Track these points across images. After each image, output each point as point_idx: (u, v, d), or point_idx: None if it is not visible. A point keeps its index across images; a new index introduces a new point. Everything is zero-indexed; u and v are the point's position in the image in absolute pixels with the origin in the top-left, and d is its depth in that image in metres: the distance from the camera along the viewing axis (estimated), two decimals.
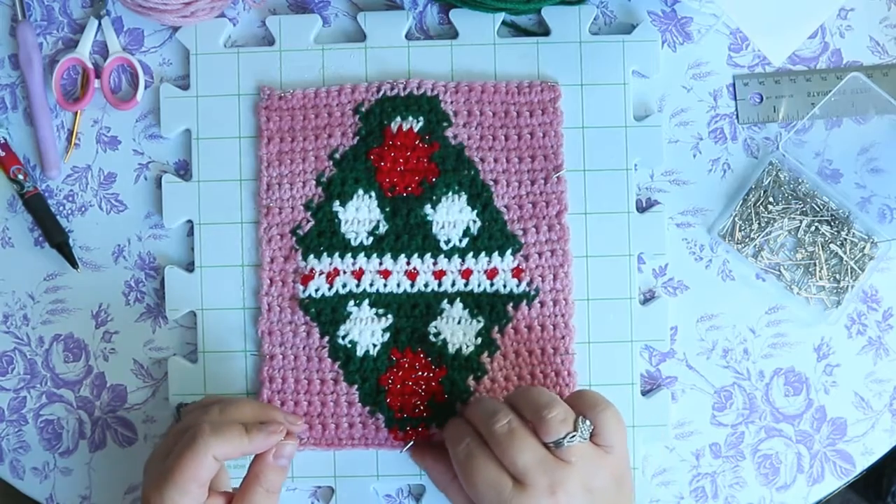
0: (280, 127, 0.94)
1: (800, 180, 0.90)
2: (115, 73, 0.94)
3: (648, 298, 0.93)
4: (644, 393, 0.92)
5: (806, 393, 0.91)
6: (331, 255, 0.93)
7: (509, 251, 0.93)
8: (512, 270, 0.93)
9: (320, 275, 0.93)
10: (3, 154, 0.92)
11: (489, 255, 0.93)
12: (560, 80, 0.94)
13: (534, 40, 0.95)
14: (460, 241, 0.93)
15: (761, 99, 0.93)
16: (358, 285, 0.93)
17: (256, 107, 0.94)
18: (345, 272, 0.93)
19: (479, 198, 0.93)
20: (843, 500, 1.06)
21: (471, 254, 0.93)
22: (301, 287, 0.93)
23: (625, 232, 0.94)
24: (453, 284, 0.94)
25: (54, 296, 0.94)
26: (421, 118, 0.93)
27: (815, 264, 0.90)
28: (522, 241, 0.93)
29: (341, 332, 0.93)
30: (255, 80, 0.95)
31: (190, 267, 0.93)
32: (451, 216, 0.94)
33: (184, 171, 0.93)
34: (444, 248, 0.93)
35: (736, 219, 0.91)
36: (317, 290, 0.93)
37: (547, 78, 0.95)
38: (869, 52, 0.93)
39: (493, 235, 0.93)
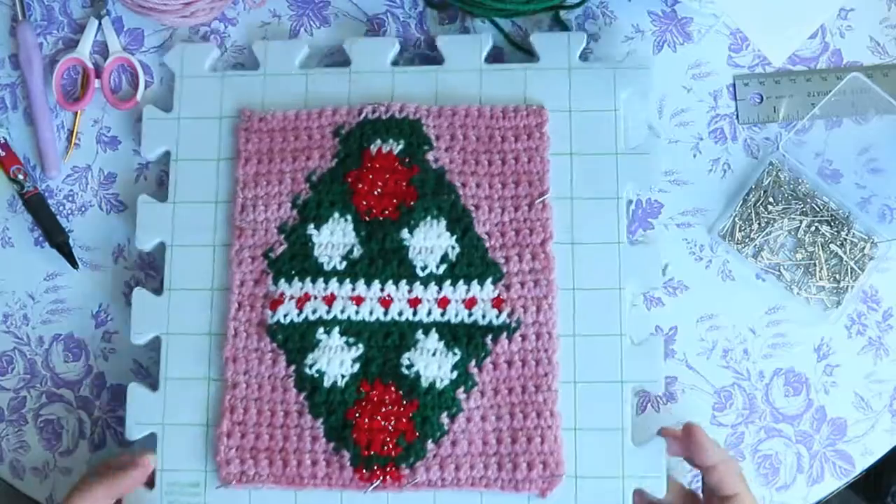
0: (259, 148, 0.72)
1: (800, 180, 0.74)
2: (115, 73, 0.78)
3: (641, 341, 0.69)
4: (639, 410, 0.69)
5: (806, 393, 0.73)
6: (302, 280, 0.69)
7: (489, 280, 0.69)
8: (492, 300, 0.68)
9: (290, 299, 0.69)
10: (3, 154, 0.76)
11: (468, 283, 0.69)
12: (548, 106, 0.71)
13: (521, 66, 0.73)
14: (437, 267, 0.69)
15: (761, 99, 0.75)
16: (328, 311, 0.69)
17: (236, 128, 0.73)
18: (315, 297, 0.69)
19: (459, 223, 0.70)
20: (843, 501, 0.83)
21: (448, 281, 0.69)
22: (270, 312, 0.69)
23: (615, 264, 0.69)
24: (429, 313, 0.68)
25: (54, 296, 0.76)
26: (402, 141, 0.71)
27: (815, 264, 0.73)
28: (504, 269, 0.69)
29: (309, 361, 0.68)
30: (237, 103, 0.74)
31: (158, 290, 0.71)
32: (429, 241, 0.69)
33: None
34: (421, 274, 0.69)
35: (736, 219, 0.74)
36: (286, 316, 0.69)
37: (534, 103, 0.71)
38: (869, 52, 0.76)
39: (472, 262, 0.69)
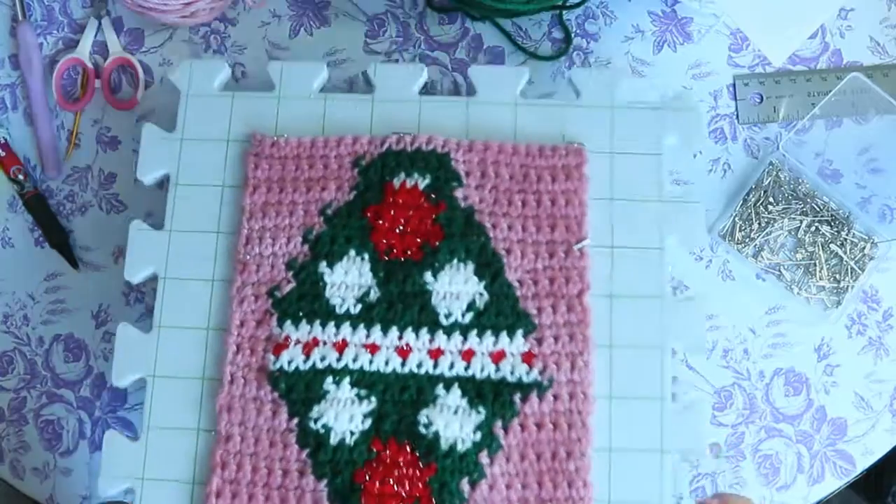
0: (269, 176, 0.63)
1: (800, 180, 0.72)
2: (115, 73, 0.74)
3: (686, 405, 0.60)
4: None
5: (806, 393, 0.70)
6: (311, 323, 0.60)
7: (520, 332, 0.59)
8: (522, 354, 0.59)
9: (296, 344, 0.59)
10: (3, 154, 0.72)
11: (496, 334, 0.59)
12: (588, 147, 0.63)
13: (560, 102, 0.65)
14: (463, 315, 0.60)
15: (761, 99, 0.73)
16: (339, 359, 0.59)
17: (245, 153, 0.64)
18: (325, 343, 0.59)
19: (489, 268, 0.61)
20: (844, 500, 0.80)
21: (474, 331, 0.59)
22: (272, 357, 0.59)
23: (656, 320, 0.60)
24: (451, 367, 0.59)
25: (54, 296, 0.72)
26: (428, 176, 0.62)
27: (815, 264, 0.71)
28: (536, 321, 0.60)
29: (314, 414, 0.58)
30: (247, 127, 0.65)
31: (147, 325, 0.62)
32: (455, 287, 0.60)
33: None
34: (444, 322, 0.60)
35: (736, 219, 0.71)
36: (290, 362, 0.59)
37: (573, 142, 0.63)
38: (869, 53, 0.74)
39: (501, 312, 0.60)
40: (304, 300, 0.59)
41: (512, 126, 0.63)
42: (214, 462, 0.57)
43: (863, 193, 0.71)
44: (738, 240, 0.70)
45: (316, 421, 0.57)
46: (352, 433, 0.57)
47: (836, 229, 0.71)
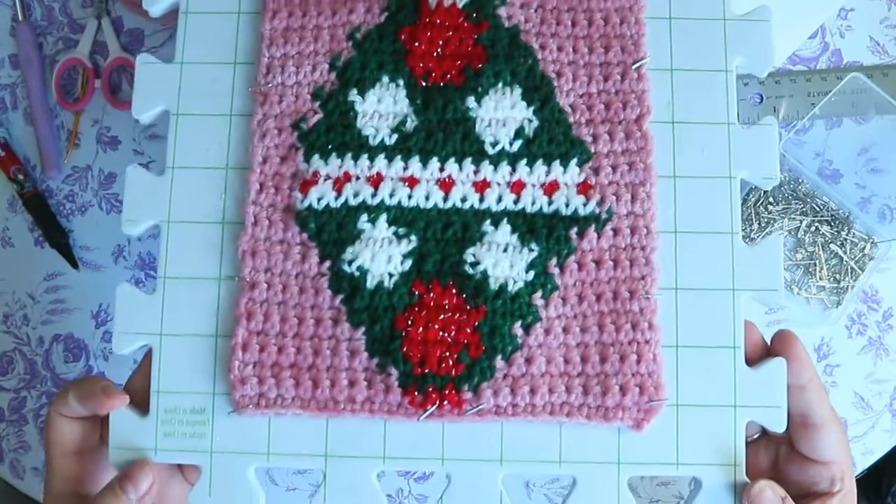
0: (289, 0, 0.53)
1: (800, 180, 0.68)
2: (115, 73, 0.70)
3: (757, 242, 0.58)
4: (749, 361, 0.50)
5: None
6: (341, 156, 0.50)
7: (574, 160, 0.50)
8: (577, 185, 0.50)
9: (326, 180, 0.50)
10: (3, 154, 0.69)
11: (548, 163, 0.50)
12: None
13: None
14: (511, 143, 0.50)
15: (761, 99, 0.69)
16: (374, 195, 0.50)
17: None
18: (358, 178, 0.50)
19: (538, 92, 0.51)
20: None
21: (524, 161, 0.50)
22: (300, 195, 0.50)
23: (724, 148, 0.51)
24: (500, 200, 0.50)
25: (54, 296, 0.68)
26: None
27: (815, 264, 0.67)
28: (592, 149, 0.51)
29: (348, 256, 0.49)
30: None
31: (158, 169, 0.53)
32: (501, 112, 0.51)
33: None
34: (490, 151, 0.50)
35: None
36: (319, 200, 0.50)
37: None
38: (869, 52, 0.70)
39: (554, 139, 0.50)
40: (334, 132, 0.51)
41: None
42: (239, 312, 0.49)
43: (863, 193, 0.69)
44: None
45: (350, 263, 0.49)
46: (390, 275, 0.49)
47: (836, 229, 0.68)
